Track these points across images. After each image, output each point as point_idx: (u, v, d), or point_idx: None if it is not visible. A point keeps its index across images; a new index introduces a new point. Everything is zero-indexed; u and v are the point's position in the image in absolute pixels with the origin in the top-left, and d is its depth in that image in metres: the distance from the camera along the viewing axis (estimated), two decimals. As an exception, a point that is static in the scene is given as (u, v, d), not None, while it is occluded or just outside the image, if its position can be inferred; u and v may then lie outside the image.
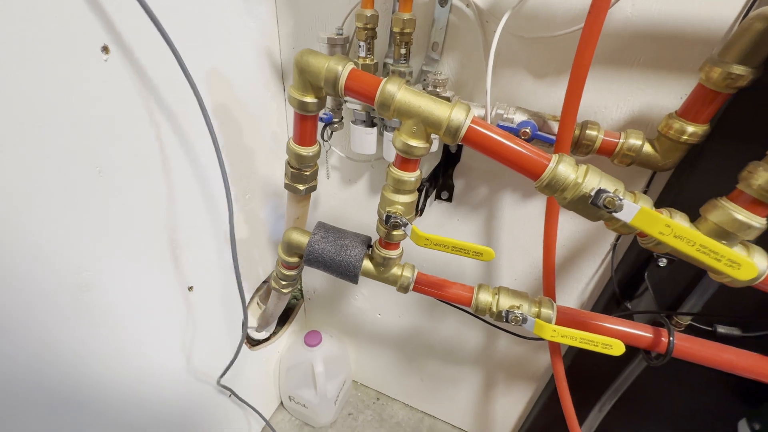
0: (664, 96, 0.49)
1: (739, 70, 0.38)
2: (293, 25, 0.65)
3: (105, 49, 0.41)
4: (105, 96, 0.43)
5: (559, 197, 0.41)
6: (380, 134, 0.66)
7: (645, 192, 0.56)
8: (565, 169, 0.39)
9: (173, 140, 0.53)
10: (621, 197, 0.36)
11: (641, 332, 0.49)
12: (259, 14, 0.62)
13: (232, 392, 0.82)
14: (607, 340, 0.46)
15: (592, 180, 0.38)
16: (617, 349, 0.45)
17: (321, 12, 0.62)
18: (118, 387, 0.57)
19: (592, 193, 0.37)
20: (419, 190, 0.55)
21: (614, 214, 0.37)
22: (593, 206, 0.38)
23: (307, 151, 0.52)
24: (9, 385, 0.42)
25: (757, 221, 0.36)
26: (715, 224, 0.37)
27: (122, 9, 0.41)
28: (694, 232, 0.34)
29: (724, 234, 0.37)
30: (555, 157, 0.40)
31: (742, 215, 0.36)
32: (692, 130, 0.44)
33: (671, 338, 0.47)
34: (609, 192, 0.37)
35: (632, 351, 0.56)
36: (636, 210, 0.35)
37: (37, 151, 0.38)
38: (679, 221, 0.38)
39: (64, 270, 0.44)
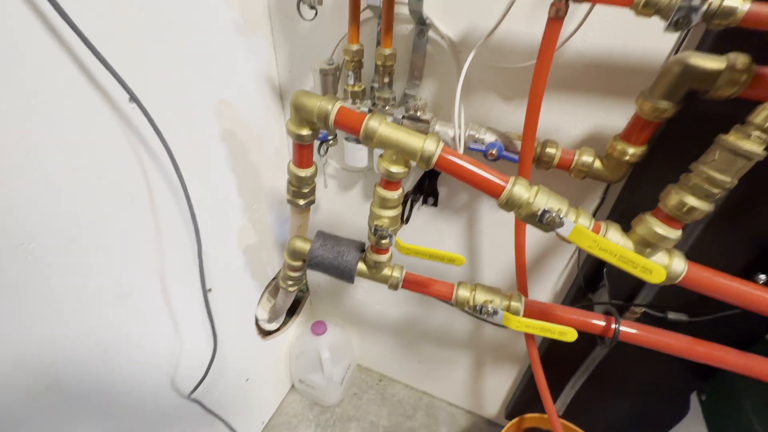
0: (614, 118, 0.56)
1: (663, 105, 0.45)
2: (288, 53, 0.72)
3: (131, 99, 0.49)
4: (132, 136, 0.51)
5: (516, 213, 0.49)
6: (371, 149, 0.74)
7: (602, 200, 0.63)
8: (519, 190, 0.47)
9: (194, 166, 0.61)
10: (562, 216, 0.44)
11: (594, 321, 0.58)
12: (258, 46, 0.69)
13: (202, 404, 0.81)
14: (562, 329, 0.54)
15: (540, 200, 0.46)
16: (570, 336, 0.54)
17: (313, 43, 0.69)
18: (150, 379, 0.67)
19: (539, 213, 0.45)
20: (403, 203, 0.63)
21: (556, 230, 0.44)
22: (540, 223, 0.46)
23: (305, 172, 0.60)
24: (71, 377, 0.52)
25: (673, 234, 0.43)
26: (641, 235, 0.45)
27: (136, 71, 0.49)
28: (614, 245, 0.42)
29: (648, 243, 0.45)
30: (511, 180, 0.48)
31: (661, 229, 0.43)
32: (632, 151, 0.51)
33: (617, 325, 0.55)
34: (552, 212, 0.44)
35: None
36: (572, 227, 0.43)
37: (85, 185, 0.47)
38: (611, 233, 0.45)
39: (107, 283, 0.53)
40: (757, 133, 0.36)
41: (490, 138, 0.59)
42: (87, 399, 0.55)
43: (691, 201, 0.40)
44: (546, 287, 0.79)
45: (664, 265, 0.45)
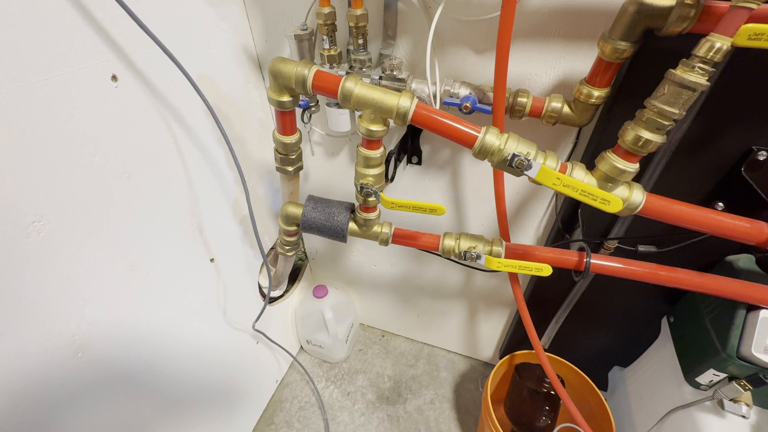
0: (581, 62, 0.58)
1: (622, 45, 0.47)
2: (262, 21, 0.72)
3: (114, 78, 0.51)
4: (120, 116, 0.53)
5: (490, 160, 0.52)
6: (352, 112, 0.76)
7: (575, 144, 0.67)
8: (491, 138, 0.50)
9: (184, 140, 0.64)
10: (530, 159, 0.48)
11: (568, 257, 0.63)
12: (230, 16, 0.69)
13: (264, 335, 1.01)
14: (539, 265, 0.60)
15: (510, 146, 0.49)
16: (546, 270, 0.59)
17: (286, 8, 0.69)
18: (171, 341, 0.73)
19: (509, 157, 0.49)
20: (386, 162, 0.66)
21: (525, 172, 0.48)
22: (510, 167, 0.49)
23: (290, 139, 0.63)
24: (96, 340, 0.57)
25: (631, 167, 0.47)
26: (603, 172, 0.49)
27: (128, 43, 0.50)
28: (576, 181, 0.45)
29: (610, 178, 0.49)
30: (483, 129, 0.51)
31: (620, 164, 0.47)
32: (597, 93, 0.54)
33: (588, 258, 0.61)
34: (521, 156, 0.48)
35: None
36: (538, 168, 0.47)
37: (84, 165, 0.50)
38: (576, 172, 0.49)
39: (116, 255, 0.57)
40: (700, 65, 0.39)
41: (464, 92, 0.62)
42: (112, 362, 0.61)
43: (646, 134, 0.44)
44: (529, 233, 0.84)
45: (625, 198, 0.49)
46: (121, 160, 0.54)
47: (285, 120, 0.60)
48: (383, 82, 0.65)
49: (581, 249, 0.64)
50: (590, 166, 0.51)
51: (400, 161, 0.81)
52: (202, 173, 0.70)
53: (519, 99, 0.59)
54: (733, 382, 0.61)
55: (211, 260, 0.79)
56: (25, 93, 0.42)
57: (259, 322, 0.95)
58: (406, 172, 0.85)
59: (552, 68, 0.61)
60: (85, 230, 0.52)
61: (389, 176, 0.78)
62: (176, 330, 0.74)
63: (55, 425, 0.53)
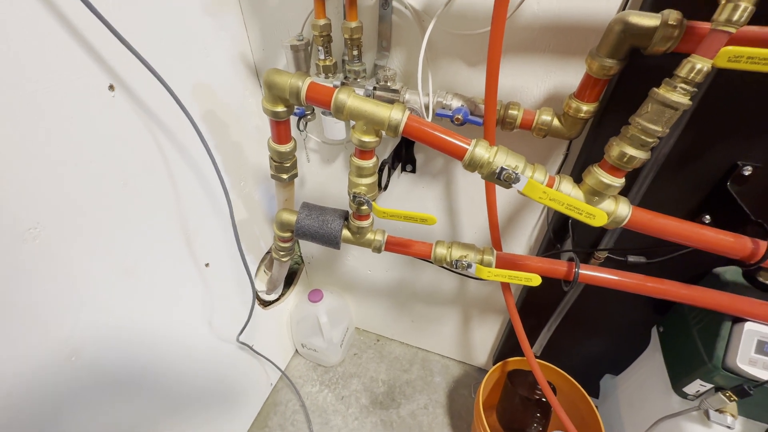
0: (571, 76, 0.59)
1: (609, 62, 0.48)
2: (259, 30, 0.73)
3: (111, 88, 0.52)
4: (116, 125, 0.54)
5: (479, 172, 0.53)
6: (347, 121, 0.77)
7: (566, 156, 0.68)
8: (480, 150, 0.51)
9: (173, 150, 0.64)
10: (517, 172, 0.49)
11: (557, 267, 0.64)
12: (228, 25, 0.70)
13: (250, 347, 1.00)
14: (528, 275, 0.60)
15: (499, 159, 0.50)
16: (535, 281, 0.60)
17: (283, 18, 0.70)
18: (166, 344, 0.73)
19: (497, 170, 0.50)
20: (380, 170, 0.67)
21: (513, 185, 0.49)
22: (499, 179, 0.50)
23: (284, 147, 0.64)
24: (90, 344, 0.58)
25: (616, 182, 0.48)
26: (590, 186, 0.49)
27: (120, 56, 0.51)
28: (562, 195, 0.46)
29: (596, 192, 0.49)
30: (473, 142, 0.52)
31: (606, 178, 0.48)
32: (586, 108, 0.55)
33: (577, 269, 0.62)
34: (508, 169, 0.49)
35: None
36: (526, 182, 0.48)
37: (80, 173, 0.51)
38: (563, 185, 0.50)
39: (112, 260, 0.58)
40: (682, 85, 0.40)
41: (456, 104, 0.63)
42: (107, 365, 0.61)
43: (630, 151, 0.45)
44: (521, 242, 0.85)
45: (611, 211, 0.50)
46: (117, 167, 0.55)
47: (279, 129, 0.61)
48: (377, 92, 0.66)
49: (571, 259, 0.65)
50: (580, 179, 0.52)
51: (395, 169, 0.82)
52: (198, 179, 0.71)
53: (510, 111, 0.60)
54: (719, 392, 0.62)
55: (206, 265, 0.80)
56: (24, 101, 0.43)
57: (254, 327, 0.96)
58: (400, 180, 0.86)
59: (542, 82, 0.62)
60: (81, 236, 0.53)
61: (383, 185, 0.79)
62: (171, 333, 0.75)
63: (49, 429, 0.54)
